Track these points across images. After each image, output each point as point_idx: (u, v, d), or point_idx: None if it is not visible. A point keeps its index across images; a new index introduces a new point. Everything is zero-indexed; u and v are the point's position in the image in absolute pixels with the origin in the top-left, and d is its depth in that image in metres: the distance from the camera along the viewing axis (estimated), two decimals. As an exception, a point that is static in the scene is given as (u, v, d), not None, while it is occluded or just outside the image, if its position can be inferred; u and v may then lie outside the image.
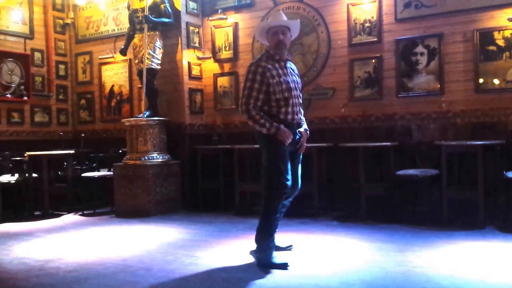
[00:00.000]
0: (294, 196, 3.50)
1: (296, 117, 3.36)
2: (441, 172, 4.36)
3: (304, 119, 3.54)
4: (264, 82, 3.24)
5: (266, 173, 3.33)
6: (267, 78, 3.25)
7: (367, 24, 5.26)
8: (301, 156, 3.49)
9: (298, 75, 3.52)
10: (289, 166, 3.29)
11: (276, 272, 3.05)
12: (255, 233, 3.34)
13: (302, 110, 3.50)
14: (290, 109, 3.30)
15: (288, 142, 3.25)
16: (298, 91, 3.42)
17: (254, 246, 3.73)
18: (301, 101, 3.47)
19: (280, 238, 3.95)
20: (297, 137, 3.38)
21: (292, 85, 3.33)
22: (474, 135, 4.64)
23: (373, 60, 5.23)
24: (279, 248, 3.50)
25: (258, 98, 3.26)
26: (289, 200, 3.47)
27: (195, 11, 6.15)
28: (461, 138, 4.69)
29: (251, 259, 3.39)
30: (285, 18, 3.48)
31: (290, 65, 3.50)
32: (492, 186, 4.38)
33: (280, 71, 3.32)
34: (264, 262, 3.22)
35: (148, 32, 5.71)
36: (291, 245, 3.65)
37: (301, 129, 3.41)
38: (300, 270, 3.10)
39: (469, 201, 4.35)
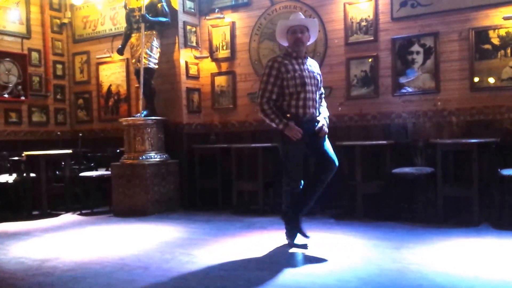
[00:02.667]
0: (333, 172, 3.54)
1: (309, 111, 3.50)
2: (436, 170, 4.39)
3: (326, 111, 3.70)
4: (279, 77, 3.47)
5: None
6: (281, 72, 3.46)
7: (364, 23, 5.28)
8: (325, 139, 3.57)
9: (318, 72, 3.69)
10: (296, 163, 3.54)
11: (274, 270, 3.08)
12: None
13: (324, 104, 3.74)
14: (301, 103, 3.46)
15: (296, 139, 3.42)
16: (315, 87, 3.58)
17: (251, 245, 3.76)
18: (316, 97, 3.61)
19: (277, 236, 3.98)
20: (315, 126, 3.53)
21: (307, 80, 3.50)
22: (469, 133, 4.67)
23: (370, 59, 5.25)
24: (296, 246, 3.62)
25: (272, 91, 3.48)
26: (328, 175, 3.52)
27: (192, 10, 6.16)
28: (456, 136, 4.73)
29: (248, 257, 3.41)
30: (302, 17, 3.69)
31: (310, 62, 3.67)
32: (486, 183, 4.41)
33: (297, 67, 3.51)
34: (289, 243, 3.64)
35: (145, 31, 5.72)
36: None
37: (320, 118, 3.59)
38: (297, 268, 3.13)
39: (464, 198, 4.37)
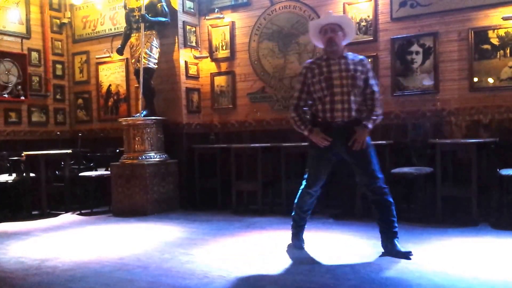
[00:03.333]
0: (384, 188, 3.35)
1: (337, 114, 3.25)
2: (435, 170, 4.39)
3: (372, 115, 3.31)
4: (305, 82, 3.40)
5: None
6: (308, 78, 3.38)
7: (363, 23, 5.29)
8: (366, 151, 3.28)
9: (361, 69, 3.30)
10: (316, 169, 3.41)
11: (273, 269, 3.08)
12: None
13: (375, 105, 3.32)
14: (328, 107, 3.26)
15: (322, 145, 3.28)
16: (349, 87, 3.25)
17: (250, 244, 3.77)
18: (352, 97, 3.26)
19: (276, 235, 3.99)
20: (351, 133, 3.27)
21: (335, 82, 3.25)
22: (468, 133, 4.68)
23: (369, 59, 5.23)
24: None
25: (300, 98, 3.42)
26: (378, 193, 3.35)
27: (192, 10, 6.17)
28: (456, 136, 4.73)
29: (247, 257, 3.42)
30: (333, 15, 3.52)
31: (350, 60, 3.33)
32: (485, 183, 4.41)
33: (324, 69, 3.30)
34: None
35: (144, 31, 5.73)
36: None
37: (359, 127, 3.27)
38: (296, 268, 3.13)
39: (463, 198, 4.38)
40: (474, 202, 4.21)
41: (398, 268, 3.03)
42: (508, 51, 4.58)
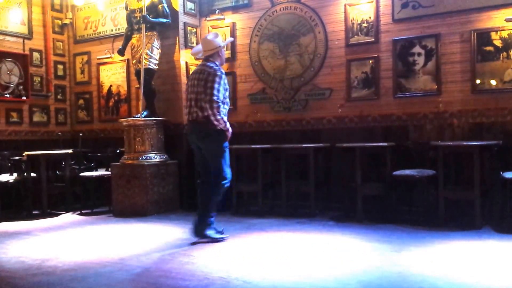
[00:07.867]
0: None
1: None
2: (437, 172, 4.37)
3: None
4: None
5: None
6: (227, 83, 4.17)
7: (365, 25, 5.27)
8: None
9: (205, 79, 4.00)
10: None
11: (272, 272, 3.07)
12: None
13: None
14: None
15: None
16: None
17: (250, 246, 3.75)
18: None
19: (276, 237, 3.97)
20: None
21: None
22: (470, 136, 4.66)
23: (370, 61, 5.24)
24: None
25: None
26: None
27: (193, 11, 6.16)
28: (458, 138, 4.71)
29: (248, 258, 3.40)
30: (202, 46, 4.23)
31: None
32: (488, 186, 4.39)
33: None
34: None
35: (146, 32, 5.72)
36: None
37: None
38: (296, 270, 3.11)
39: (466, 201, 4.36)
40: (476, 205, 4.19)
41: (400, 271, 3.01)
42: (511, 53, 4.55)
